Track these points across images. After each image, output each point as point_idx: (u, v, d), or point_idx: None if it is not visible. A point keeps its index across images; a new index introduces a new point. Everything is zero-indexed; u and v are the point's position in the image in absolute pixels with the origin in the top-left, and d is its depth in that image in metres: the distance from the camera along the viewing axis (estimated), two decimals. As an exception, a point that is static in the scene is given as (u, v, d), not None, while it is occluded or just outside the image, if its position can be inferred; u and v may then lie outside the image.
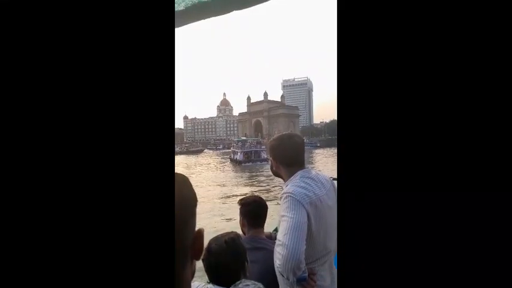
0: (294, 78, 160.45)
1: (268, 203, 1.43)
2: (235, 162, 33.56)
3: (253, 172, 23.54)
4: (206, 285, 0.91)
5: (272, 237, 1.40)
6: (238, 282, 0.88)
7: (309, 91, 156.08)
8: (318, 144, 66.85)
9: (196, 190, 0.44)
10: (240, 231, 1.30)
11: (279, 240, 0.96)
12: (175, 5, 0.78)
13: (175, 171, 0.41)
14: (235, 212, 1.75)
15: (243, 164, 30.28)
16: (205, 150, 73.26)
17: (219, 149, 75.53)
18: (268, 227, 1.60)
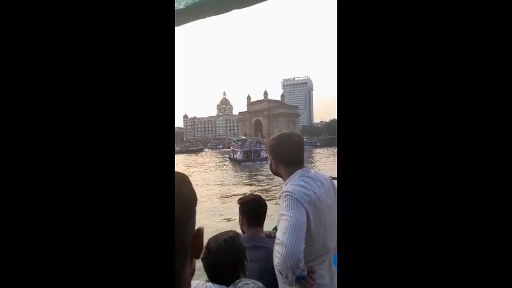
0: (294, 78, 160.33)
1: (267, 203, 1.43)
2: (234, 161, 33.54)
3: (252, 171, 23.54)
4: (205, 284, 0.91)
5: (271, 236, 1.40)
6: (238, 281, 0.88)
7: (309, 90, 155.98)
8: (318, 144, 66.85)
9: (196, 189, 0.44)
10: (239, 230, 1.30)
11: (278, 239, 0.96)
12: (176, 3, 0.78)
13: (175, 170, 0.41)
14: (234, 211, 1.75)
15: (242, 163, 30.27)
16: (205, 150, 73.36)
17: (219, 148, 75.63)
18: (267, 227, 1.61)
